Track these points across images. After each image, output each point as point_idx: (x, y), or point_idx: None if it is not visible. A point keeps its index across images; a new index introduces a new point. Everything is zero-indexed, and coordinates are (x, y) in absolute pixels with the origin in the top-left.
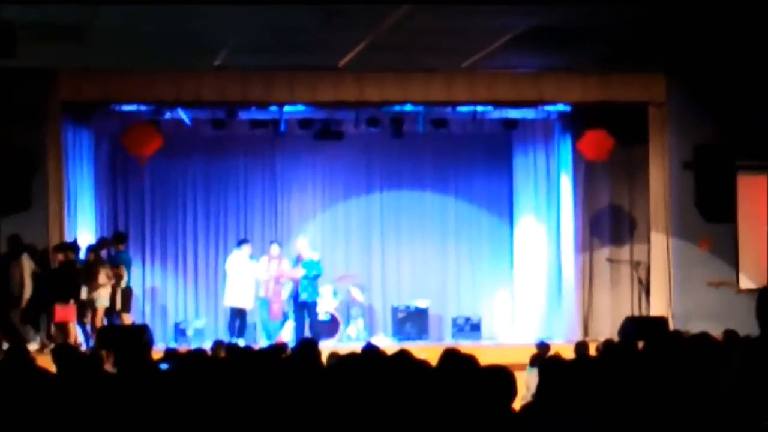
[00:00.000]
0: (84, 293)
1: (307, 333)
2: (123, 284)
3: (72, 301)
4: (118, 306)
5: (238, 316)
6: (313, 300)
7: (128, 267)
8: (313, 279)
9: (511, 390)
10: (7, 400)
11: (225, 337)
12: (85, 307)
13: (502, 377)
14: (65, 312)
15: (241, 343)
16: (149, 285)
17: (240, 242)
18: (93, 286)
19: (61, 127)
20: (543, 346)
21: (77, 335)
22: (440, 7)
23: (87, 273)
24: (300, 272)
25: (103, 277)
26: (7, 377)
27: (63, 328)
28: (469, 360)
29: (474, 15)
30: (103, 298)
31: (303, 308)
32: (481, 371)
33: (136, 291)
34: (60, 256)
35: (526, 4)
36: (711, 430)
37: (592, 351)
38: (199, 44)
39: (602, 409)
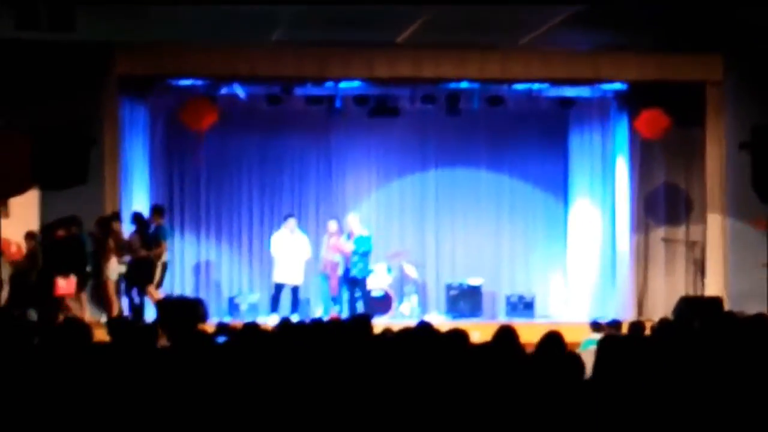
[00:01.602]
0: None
1: (360, 309)
2: (163, 259)
3: (73, 276)
4: (156, 280)
5: (281, 291)
6: (363, 276)
7: (167, 240)
8: (363, 255)
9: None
10: (63, 371)
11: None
12: (96, 280)
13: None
14: (66, 285)
15: (295, 318)
16: (204, 259)
17: (285, 217)
18: (103, 258)
19: (118, 102)
20: (615, 324)
21: (121, 307)
22: None
23: (97, 246)
24: (349, 247)
25: (113, 249)
26: (65, 348)
27: (59, 302)
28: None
29: None
30: (112, 270)
31: (354, 284)
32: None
33: (191, 264)
34: (61, 232)
35: None
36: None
37: (647, 331)
38: (256, 18)
39: (657, 387)
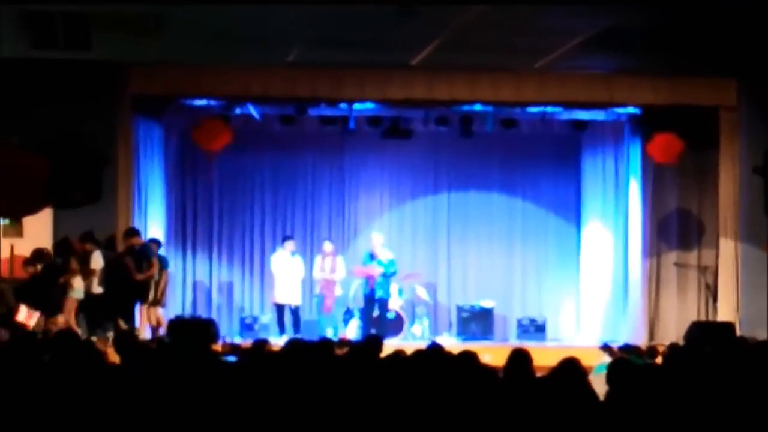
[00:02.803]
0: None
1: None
2: (155, 277)
3: (38, 311)
4: (151, 299)
5: (283, 312)
6: (386, 297)
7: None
8: (389, 277)
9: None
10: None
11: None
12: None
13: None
14: (26, 316)
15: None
16: (216, 279)
17: (283, 239)
18: (66, 277)
19: (132, 121)
20: (628, 348)
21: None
22: (516, 6)
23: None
24: (378, 270)
25: (74, 269)
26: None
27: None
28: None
29: (550, 14)
30: (76, 290)
31: (374, 305)
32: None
33: (203, 284)
34: (30, 269)
35: (601, 4)
36: None
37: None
38: (271, 39)
39: (669, 411)
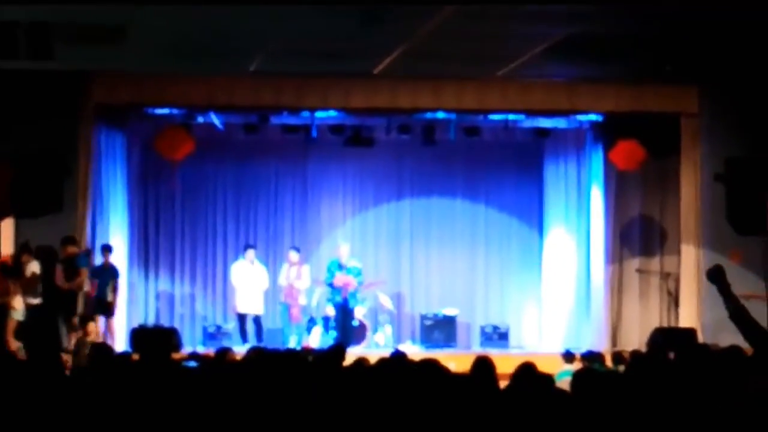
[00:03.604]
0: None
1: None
2: (85, 288)
3: None
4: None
5: (245, 321)
6: (354, 306)
7: (84, 267)
8: (359, 285)
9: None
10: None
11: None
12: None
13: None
14: None
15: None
16: (178, 288)
17: (245, 248)
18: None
19: (94, 130)
20: (591, 355)
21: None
22: (479, 12)
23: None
24: (354, 279)
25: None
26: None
27: None
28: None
29: (512, 22)
30: (16, 311)
31: (346, 314)
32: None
33: (166, 293)
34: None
35: (561, 12)
36: None
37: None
38: (234, 49)
39: (631, 420)
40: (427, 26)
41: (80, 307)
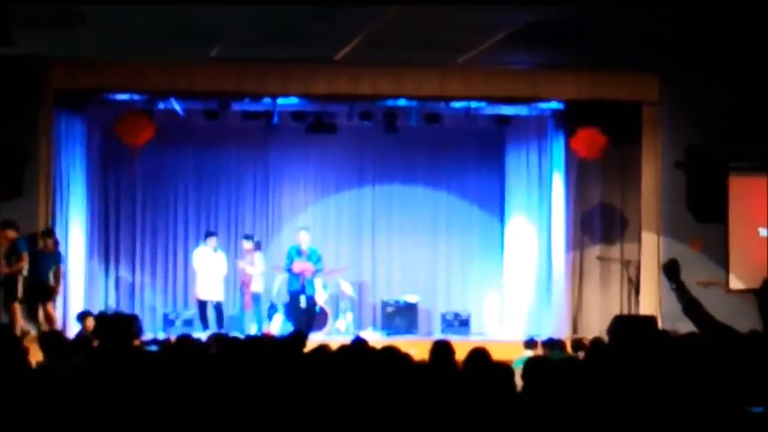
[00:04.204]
0: None
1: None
2: (24, 272)
3: None
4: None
5: (206, 308)
6: (312, 294)
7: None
8: (317, 273)
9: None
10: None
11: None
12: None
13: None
14: None
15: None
16: (139, 275)
17: (206, 235)
18: None
19: (54, 116)
20: (552, 342)
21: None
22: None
23: None
24: (311, 267)
25: None
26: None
27: None
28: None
29: (471, 10)
30: None
31: (299, 300)
32: (472, 364)
33: (126, 280)
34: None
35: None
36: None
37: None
38: (194, 35)
39: (588, 407)
40: (387, 14)
41: (20, 292)
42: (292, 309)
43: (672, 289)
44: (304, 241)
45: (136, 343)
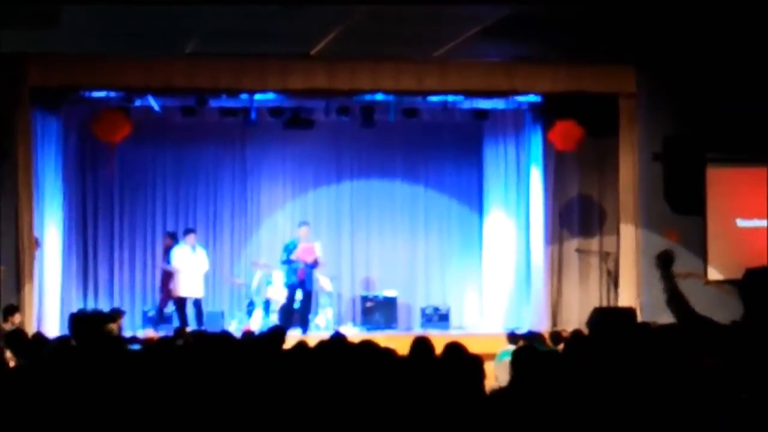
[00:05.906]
0: None
1: (273, 321)
2: None
3: None
4: None
5: (185, 305)
6: (310, 289)
7: None
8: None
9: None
10: None
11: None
12: None
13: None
14: None
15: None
16: (118, 273)
17: (185, 232)
18: None
19: (30, 114)
20: (533, 335)
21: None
22: None
23: None
24: (315, 243)
25: None
26: None
27: None
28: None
29: (446, 3)
30: None
31: (294, 294)
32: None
33: (104, 277)
34: None
35: None
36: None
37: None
38: (169, 31)
39: (571, 398)
40: (361, 9)
41: None
42: (286, 305)
43: (661, 278)
44: (304, 235)
45: (113, 330)
